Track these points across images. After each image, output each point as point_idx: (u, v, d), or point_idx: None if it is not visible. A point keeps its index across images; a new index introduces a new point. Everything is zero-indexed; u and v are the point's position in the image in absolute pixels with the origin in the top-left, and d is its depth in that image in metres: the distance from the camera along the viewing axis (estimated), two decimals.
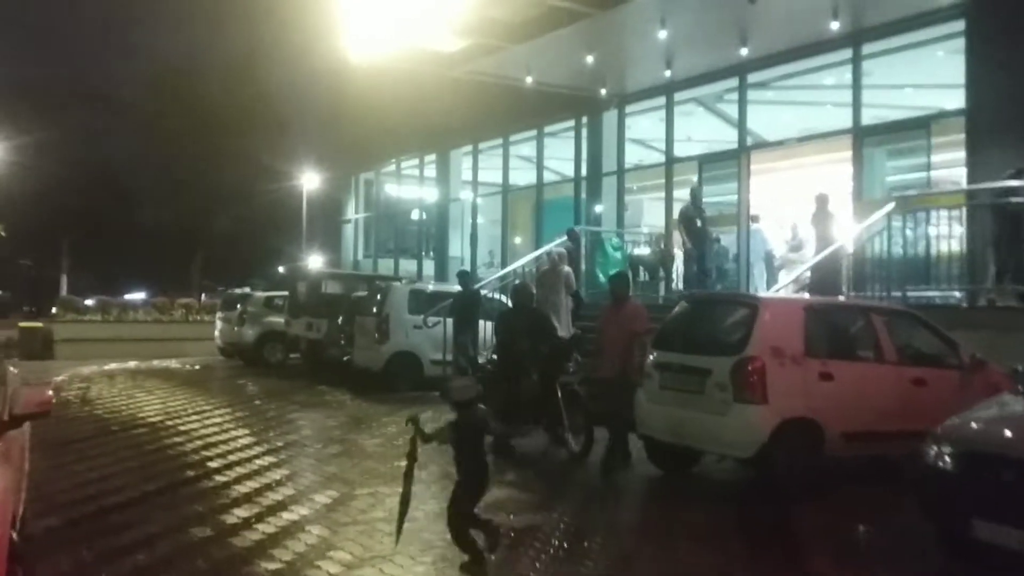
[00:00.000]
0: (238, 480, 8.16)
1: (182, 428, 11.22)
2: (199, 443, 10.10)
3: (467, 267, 23.63)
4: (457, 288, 15.00)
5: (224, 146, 37.96)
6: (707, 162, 16.65)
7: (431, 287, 16.80)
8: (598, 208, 18.53)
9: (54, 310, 26.43)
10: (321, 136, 30.67)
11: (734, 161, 15.94)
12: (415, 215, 26.45)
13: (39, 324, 24.38)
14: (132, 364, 21.16)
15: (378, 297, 15.98)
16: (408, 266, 25.79)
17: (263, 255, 39.61)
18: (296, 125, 35.73)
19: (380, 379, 15.29)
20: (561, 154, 21.01)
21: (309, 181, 31.71)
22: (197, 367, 21.00)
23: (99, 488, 7.75)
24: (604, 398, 8.86)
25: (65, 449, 9.58)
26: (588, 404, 9.17)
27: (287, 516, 6.86)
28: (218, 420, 11.84)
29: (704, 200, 15.36)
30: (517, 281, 13.51)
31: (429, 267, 24.83)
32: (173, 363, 22.01)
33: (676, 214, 15.82)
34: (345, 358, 16.50)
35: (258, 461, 9.00)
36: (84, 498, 7.37)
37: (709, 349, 7.77)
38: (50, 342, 23.12)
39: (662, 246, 16.92)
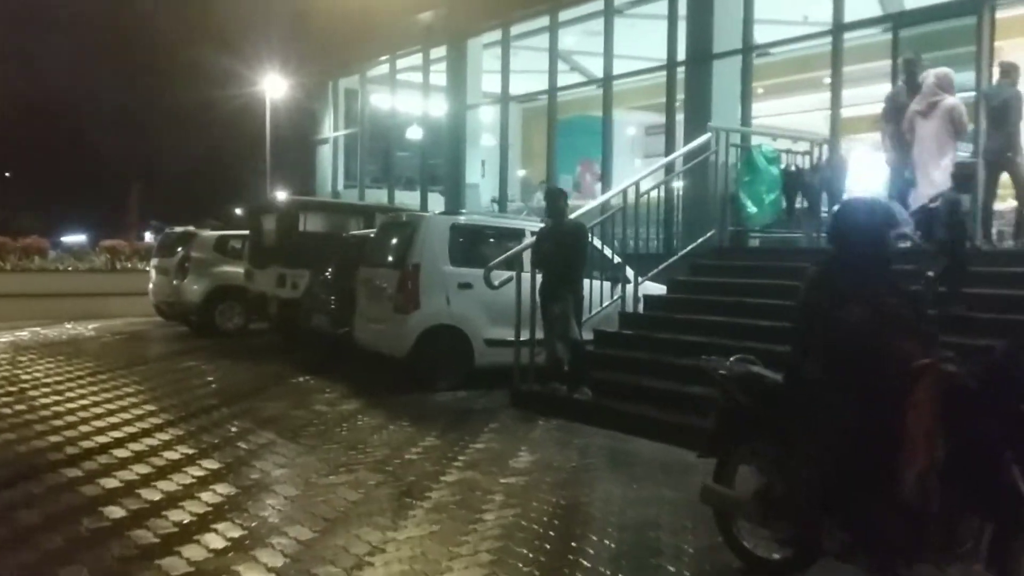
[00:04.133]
0: None
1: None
2: None
3: (492, 199, 17.90)
4: (536, 224, 9.04)
5: (169, 58, 31.13)
6: (910, 26, 10.60)
7: (484, 220, 10.72)
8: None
9: None
10: (286, 29, 23.97)
11: (967, 21, 9.96)
12: (415, 133, 20.16)
13: None
14: (27, 333, 14.94)
15: (395, 240, 9.98)
16: (406, 199, 19.68)
17: (220, 188, 33.01)
18: (253, 16, 28.74)
19: (404, 368, 9.44)
20: (629, 48, 14.92)
21: (273, 89, 25.07)
22: (119, 336, 14.85)
23: None
24: None
25: None
26: None
27: None
28: (95, 492, 5.77)
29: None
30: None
31: (436, 201, 18.76)
32: (90, 329, 15.85)
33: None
34: (340, 331, 10.58)
35: None
36: None
37: None
38: None
39: (822, 159, 11.07)
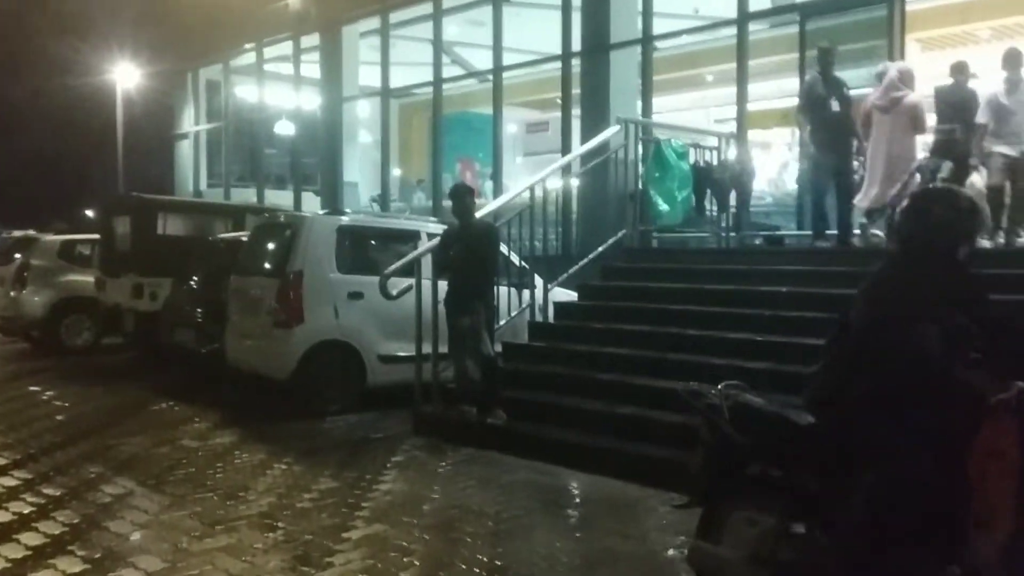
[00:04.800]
0: None
1: None
2: None
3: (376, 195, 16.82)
4: (433, 225, 8.09)
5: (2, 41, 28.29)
6: (818, 16, 10.18)
7: (375, 221, 9.67)
8: None
9: None
10: (139, 13, 21.99)
11: (878, 14, 9.60)
12: (285, 128, 18.79)
13: None
14: None
15: (273, 244, 8.83)
16: (277, 198, 18.30)
17: (67, 187, 30.27)
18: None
19: (286, 391, 8.31)
20: (516, 39, 14.13)
21: (125, 78, 23.00)
22: None
23: None
24: None
25: None
26: None
27: None
28: None
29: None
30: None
31: (310, 201, 17.49)
32: None
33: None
34: (208, 349, 9.33)
35: None
36: None
37: None
38: None
39: (732, 157, 10.55)
